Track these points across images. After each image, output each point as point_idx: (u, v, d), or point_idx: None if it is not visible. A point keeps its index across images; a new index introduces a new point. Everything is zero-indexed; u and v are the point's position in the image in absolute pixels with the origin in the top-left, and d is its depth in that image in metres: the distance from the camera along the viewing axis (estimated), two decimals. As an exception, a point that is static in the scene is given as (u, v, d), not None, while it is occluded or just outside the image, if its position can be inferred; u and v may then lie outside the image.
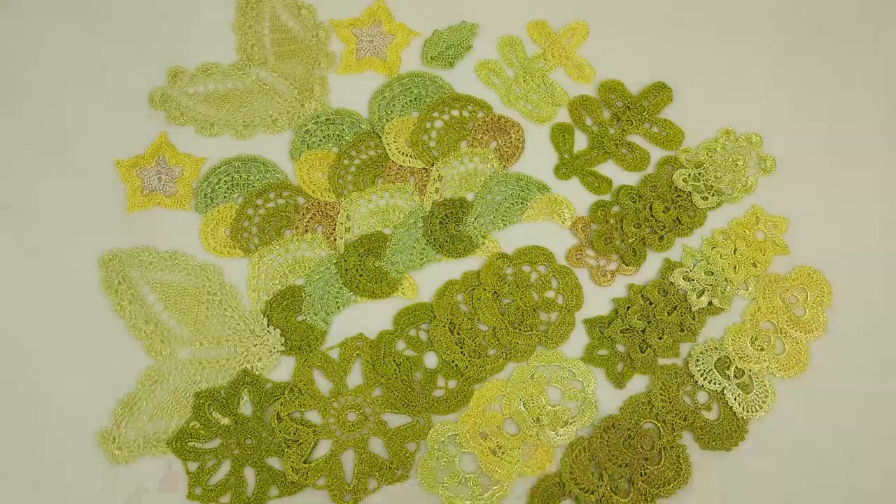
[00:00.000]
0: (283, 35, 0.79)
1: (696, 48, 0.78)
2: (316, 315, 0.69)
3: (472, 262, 0.71)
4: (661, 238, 0.71)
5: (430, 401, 0.65)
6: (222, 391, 0.65)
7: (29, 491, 0.62)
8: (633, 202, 0.73)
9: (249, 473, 0.63)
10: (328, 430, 0.64)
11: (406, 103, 0.76)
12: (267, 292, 0.69)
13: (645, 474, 0.63)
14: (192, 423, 0.64)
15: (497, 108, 0.76)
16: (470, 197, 0.73)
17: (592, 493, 0.63)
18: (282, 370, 0.67)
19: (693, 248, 0.71)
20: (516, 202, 0.73)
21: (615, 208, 0.73)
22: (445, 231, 0.72)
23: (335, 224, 0.72)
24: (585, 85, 0.77)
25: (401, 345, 0.68)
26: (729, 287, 0.69)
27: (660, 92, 0.76)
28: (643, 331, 0.68)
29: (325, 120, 0.75)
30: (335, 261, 0.70)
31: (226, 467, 0.64)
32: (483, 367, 0.66)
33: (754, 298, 0.69)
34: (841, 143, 0.75)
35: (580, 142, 0.76)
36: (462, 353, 0.67)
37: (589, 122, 0.76)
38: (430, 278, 0.70)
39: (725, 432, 0.65)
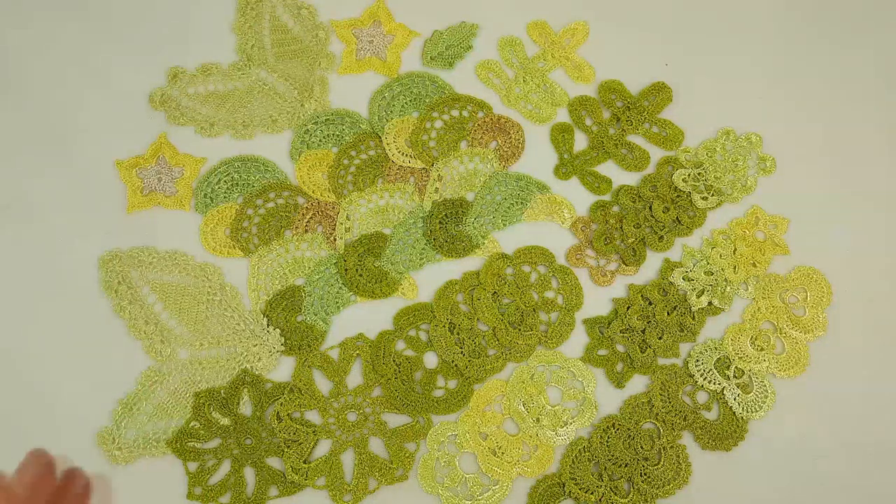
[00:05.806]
0: (282, 35, 0.79)
1: (695, 48, 0.78)
2: (316, 315, 0.69)
3: (472, 262, 0.71)
4: (661, 238, 0.71)
5: (430, 401, 0.65)
6: (222, 391, 0.65)
7: (29, 491, 0.62)
8: (633, 202, 0.72)
9: (249, 473, 0.63)
10: (328, 430, 0.64)
11: (406, 103, 0.76)
12: (267, 292, 0.69)
13: (645, 474, 0.63)
14: (191, 423, 0.64)
15: (497, 108, 0.76)
16: (470, 197, 0.73)
17: (592, 493, 0.63)
18: (282, 370, 0.67)
19: (693, 248, 0.71)
20: (516, 202, 0.73)
21: (615, 208, 0.73)
22: (445, 231, 0.71)
23: (335, 224, 0.72)
24: (585, 85, 0.77)
25: (400, 345, 0.68)
26: (729, 287, 0.69)
27: (660, 92, 0.76)
28: (643, 331, 0.68)
29: (325, 120, 0.75)
30: (335, 261, 0.70)
31: (226, 467, 0.64)
32: (483, 367, 0.66)
33: (754, 298, 0.69)
34: (841, 143, 0.75)
35: (580, 142, 0.75)
36: (462, 353, 0.67)
37: (589, 122, 0.76)
38: (430, 278, 0.70)
39: (725, 432, 0.65)
